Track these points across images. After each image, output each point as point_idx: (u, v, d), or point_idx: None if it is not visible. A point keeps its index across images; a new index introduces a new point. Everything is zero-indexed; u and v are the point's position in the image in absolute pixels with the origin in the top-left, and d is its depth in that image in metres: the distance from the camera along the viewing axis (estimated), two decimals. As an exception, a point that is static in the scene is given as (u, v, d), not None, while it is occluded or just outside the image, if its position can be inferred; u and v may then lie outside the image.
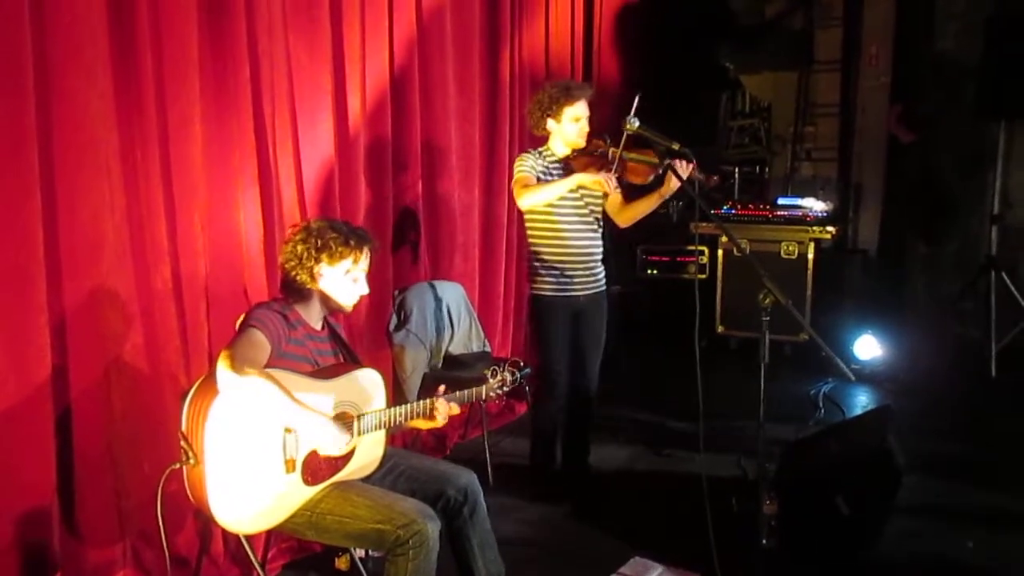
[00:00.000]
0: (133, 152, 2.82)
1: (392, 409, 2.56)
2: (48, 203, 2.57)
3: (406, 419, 2.59)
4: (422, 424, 2.68)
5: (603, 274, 3.84)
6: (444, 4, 4.48)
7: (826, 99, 7.13)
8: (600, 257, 3.81)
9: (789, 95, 7.26)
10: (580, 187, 3.58)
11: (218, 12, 3.06)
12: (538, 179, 3.60)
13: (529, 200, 3.54)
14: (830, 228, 6.13)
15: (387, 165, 4.10)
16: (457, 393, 2.69)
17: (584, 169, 3.59)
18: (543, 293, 3.71)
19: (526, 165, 3.62)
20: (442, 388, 2.68)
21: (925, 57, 6.71)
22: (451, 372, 4.23)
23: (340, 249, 2.53)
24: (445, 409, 2.64)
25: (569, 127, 3.62)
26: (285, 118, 3.38)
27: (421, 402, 2.62)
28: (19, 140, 2.46)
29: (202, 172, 3.01)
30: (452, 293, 4.50)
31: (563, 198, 3.60)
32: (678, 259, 6.51)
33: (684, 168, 3.41)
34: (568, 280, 3.70)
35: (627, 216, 3.80)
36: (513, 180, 3.63)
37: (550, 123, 3.64)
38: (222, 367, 2.20)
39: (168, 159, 2.92)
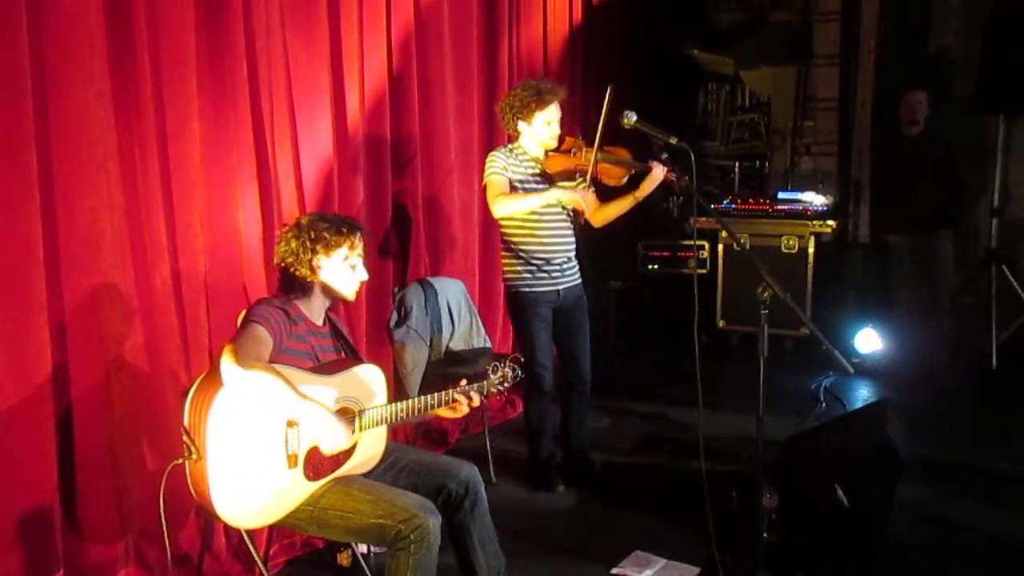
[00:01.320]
0: (131, 151, 2.82)
1: (400, 403, 2.57)
2: (47, 203, 2.58)
3: (414, 413, 2.60)
4: (444, 412, 2.69)
5: (577, 268, 3.88)
6: (442, 1, 4.48)
7: (825, 93, 7.12)
8: (574, 252, 3.84)
9: (788, 90, 7.25)
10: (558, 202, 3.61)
11: (216, 11, 3.06)
12: (510, 181, 3.60)
13: (504, 210, 3.57)
14: (830, 222, 6.13)
15: (386, 162, 4.10)
16: (475, 385, 2.71)
17: (557, 169, 3.65)
18: (522, 290, 3.72)
19: (497, 167, 3.60)
20: (464, 382, 2.71)
21: (924, 52, 6.72)
22: (452, 368, 4.23)
23: (334, 238, 2.55)
24: (466, 399, 2.67)
25: (540, 130, 3.63)
26: (283, 116, 3.38)
27: (430, 396, 2.64)
28: (17, 141, 2.46)
29: (200, 171, 3.01)
30: (453, 290, 4.50)
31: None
32: (678, 254, 6.51)
33: (660, 171, 3.45)
34: (546, 275, 3.72)
35: (601, 217, 3.81)
36: (485, 183, 3.62)
37: (521, 125, 3.65)
38: (227, 361, 2.21)
39: (166, 158, 2.92)
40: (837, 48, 6.99)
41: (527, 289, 3.72)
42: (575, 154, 3.63)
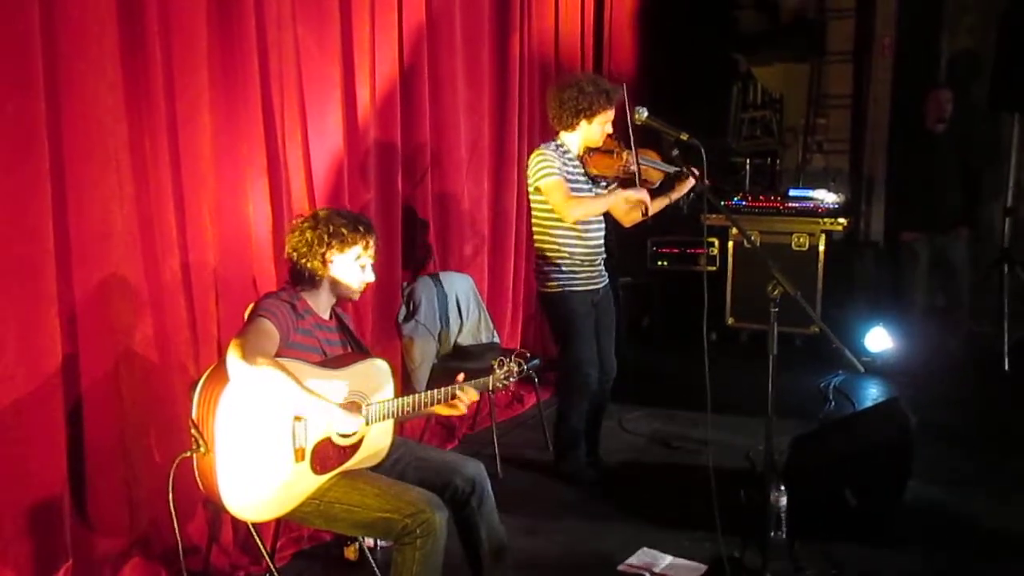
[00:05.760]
0: (142, 143, 2.83)
1: (407, 397, 2.56)
2: (58, 195, 2.58)
3: (421, 407, 2.59)
4: (443, 410, 2.68)
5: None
6: (453, -5, 4.48)
7: (838, 90, 7.09)
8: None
9: (801, 86, 7.23)
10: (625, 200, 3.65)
11: (227, 3, 3.06)
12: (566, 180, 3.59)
13: (581, 212, 3.56)
14: (841, 220, 6.10)
15: (396, 157, 4.10)
16: (475, 380, 2.69)
17: (601, 169, 3.64)
18: (570, 290, 3.68)
19: (554, 167, 3.54)
20: (461, 376, 2.68)
21: (937, 49, 6.69)
22: (460, 363, 4.23)
23: (351, 235, 2.55)
24: (465, 396, 2.65)
25: (597, 129, 3.61)
26: (294, 109, 3.38)
27: (435, 390, 2.62)
28: (29, 133, 2.47)
29: (211, 163, 3.01)
30: (461, 284, 4.51)
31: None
32: (688, 251, 6.49)
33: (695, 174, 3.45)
34: (591, 274, 3.73)
35: (634, 217, 3.83)
36: (539, 185, 3.56)
37: (583, 123, 3.61)
38: (232, 356, 2.21)
39: (177, 150, 2.93)
40: (851, 45, 6.95)
41: (576, 289, 3.68)
42: (616, 155, 3.63)
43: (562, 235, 3.66)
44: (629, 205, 3.70)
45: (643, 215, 3.68)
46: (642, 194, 3.57)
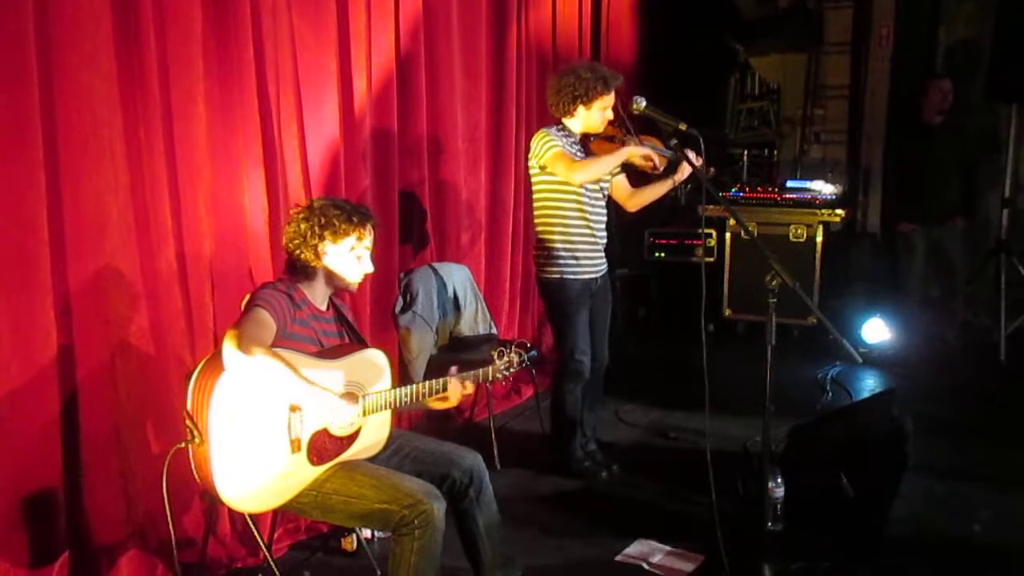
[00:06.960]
0: (137, 133, 2.81)
1: (404, 388, 2.55)
2: (52, 185, 2.57)
3: (418, 398, 2.58)
4: (435, 404, 2.67)
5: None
6: (450, -16, 4.45)
7: (836, 81, 7.08)
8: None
9: (798, 77, 7.21)
10: (628, 161, 3.60)
11: (222, -9, 3.04)
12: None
13: (587, 174, 3.53)
14: (839, 211, 6.10)
15: (393, 147, 4.08)
16: (470, 372, 2.68)
17: (602, 152, 3.62)
18: (568, 277, 3.67)
19: (557, 141, 3.56)
20: (454, 368, 2.67)
21: (935, 39, 6.68)
22: (457, 354, 4.22)
23: (344, 226, 2.53)
24: (458, 388, 2.63)
25: (596, 115, 3.61)
26: (290, 99, 3.35)
27: (433, 381, 2.61)
28: (23, 123, 2.45)
29: (206, 153, 2.99)
30: (458, 275, 4.50)
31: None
32: (686, 242, 6.48)
33: (694, 156, 3.43)
34: (590, 261, 3.72)
35: (637, 201, 3.84)
36: (547, 156, 3.54)
37: (580, 109, 3.60)
38: (228, 346, 2.20)
39: (172, 140, 2.91)
40: (849, 35, 6.94)
41: (573, 277, 3.67)
42: (618, 141, 3.63)
43: (564, 218, 3.65)
44: (638, 161, 3.62)
45: (652, 171, 3.66)
46: (645, 149, 3.56)
